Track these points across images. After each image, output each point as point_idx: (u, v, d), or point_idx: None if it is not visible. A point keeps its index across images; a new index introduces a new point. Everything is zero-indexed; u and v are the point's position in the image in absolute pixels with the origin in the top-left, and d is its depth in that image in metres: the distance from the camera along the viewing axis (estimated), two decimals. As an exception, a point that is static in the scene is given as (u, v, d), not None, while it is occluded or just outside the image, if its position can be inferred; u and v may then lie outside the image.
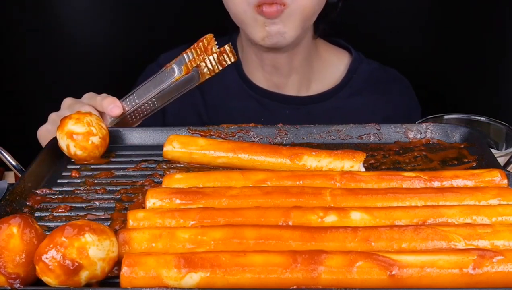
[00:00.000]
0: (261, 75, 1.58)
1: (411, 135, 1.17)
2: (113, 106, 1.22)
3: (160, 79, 1.20)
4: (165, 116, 1.60)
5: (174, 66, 1.19)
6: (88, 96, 1.28)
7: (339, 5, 1.53)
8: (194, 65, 1.16)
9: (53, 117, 1.29)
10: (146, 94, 1.21)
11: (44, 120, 1.33)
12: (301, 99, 1.58)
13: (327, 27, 1.57)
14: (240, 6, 1.38)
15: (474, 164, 1.06)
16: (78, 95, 1.32)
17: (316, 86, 1.59)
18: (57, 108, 1.35)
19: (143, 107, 1.23)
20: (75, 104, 1.25)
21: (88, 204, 0.98)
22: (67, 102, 1.28)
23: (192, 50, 1.17)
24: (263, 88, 1.58)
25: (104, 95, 1.25)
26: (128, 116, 1.25)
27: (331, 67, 1.61)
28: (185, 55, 1.18)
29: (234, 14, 1.42)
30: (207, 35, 1.17)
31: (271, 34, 1.38)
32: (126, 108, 1.23)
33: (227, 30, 1.61)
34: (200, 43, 1.17)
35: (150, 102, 1.22)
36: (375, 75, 1.61)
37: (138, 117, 1.25)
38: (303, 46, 1.52)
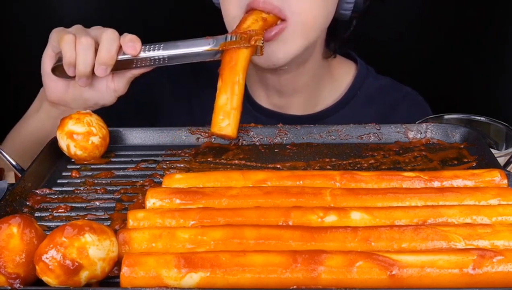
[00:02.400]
0: (263, 94, 1.50)
1: (411, 135, 1.17)
2: (132, 44, 1.17)
3: (194, 43, 1.18)
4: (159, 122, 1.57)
5: (212, 40, 1.17)
6: (96, 28, 1.22)
7: (353, 23, 1.42)
8: (231, 46, 1.15)
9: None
10: (173, 49, 1.18)
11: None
12: (304, 118, 1.48)
13: (339, 46, 1.47)
14: (230, 13, 1.28)
15: (474, 164, 1.06)
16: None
17: (323, 103, 1.51)
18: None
19: (156, 58, 1.19)
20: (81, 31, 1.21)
21: (88, 204, 0.98)
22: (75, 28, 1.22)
23: (238, 34, 1.17)
24: (265, 108, 1.50)
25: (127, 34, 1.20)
26: (136, 61, 1.21)
27: (339, 82, 1.52)
28: (229, 35, 1.17)
29: (227, 25, 1.33)
30: (260, 30, 1.18)
31: (260, 58, 1.25)
32: (141, 53, 1.19)
33: None
34: (249, 32, 1.16)
35: (164, 58, 1.19)
36: (382, 91, 1.52)
37: (142, 64, 1.21)
38: (310, 66, 1.42)
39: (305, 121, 1.47)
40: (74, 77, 1.21)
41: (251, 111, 1.50)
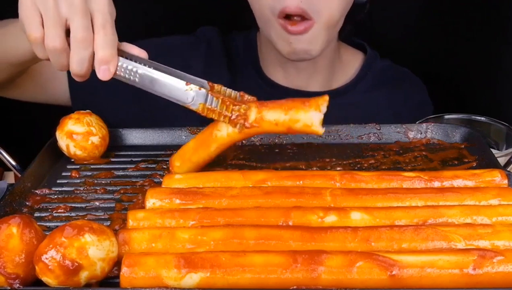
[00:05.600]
0: (281, 75, 1.55)
1: (411, 135, 1.17)
2: (105, 68, 0.95)
3: (173, 85, 0.98)
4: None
5: (193, 93, 0.97)
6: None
7: (367, 6, 1.50)
8: (208, 115, 0.98)
9: None
10: (149, 84, 0.98)
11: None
12: (313, 94, 1.55)
13: (352, 29, 1.54)
14: (263, 12, 1.33)
15: (474, 164, 1.06)
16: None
17: (335, 85, 1.57)
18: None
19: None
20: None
21: (88, 204, 0.98)
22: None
23: (219, 100, 0.97)
24: (282, 86, 1.54)
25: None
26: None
27: (349, 67, 1.60)
28: (210, 95, 0.97)
29: (258, 18, 1.38)
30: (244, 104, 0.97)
31: (296, 51, 1.34)
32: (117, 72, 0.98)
33: (245, 24, 1.54)
34: (233, 102, 0.97)
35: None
36: (386, 73, 1.61)
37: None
38: (329, 49, 1.49)
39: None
40: None
41: (269, 91, 1.52)
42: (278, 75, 1.55)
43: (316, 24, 1.30)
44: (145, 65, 0.98)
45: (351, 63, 1.60)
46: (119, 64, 0.97)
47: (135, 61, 0.98)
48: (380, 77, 1.59)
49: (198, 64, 1.49)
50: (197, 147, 1.02)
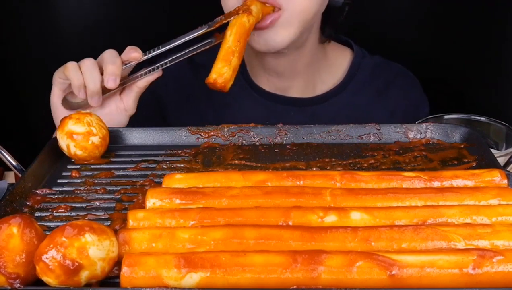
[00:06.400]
0: (265, 78, 1.56)
1: (411, 135, 1.17)
2: (134, 50, 1.25)
3: (189, 33, 1.25)
4: (168, 120, 1.60)
5: (205, 25, 1.25)
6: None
7: (346, 9, 1.50)
8: (224, 22, 1.24)
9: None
10: (171, 43, 1.25)
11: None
12: (306, 100, 1.56)
13: (333, 31, 1.54)
14: (230, 4, 1.33)
15: (474, 164, 1.06)
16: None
17: (321, 87, 1.57)
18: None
19: (158, 58, 1.26)
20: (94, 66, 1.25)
21: (88, 204, 0.98)
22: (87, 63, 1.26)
23: (225, 15, 1.25)
24: (267, 91, 1.56)
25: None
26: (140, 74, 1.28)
27: (336, 66, 1.59)
28: (218, 18, 1.25)
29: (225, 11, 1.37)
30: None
31: (259, 42, 1.35)
32: (143, 57, 1.26)
33: None
34: (236, 8, 1.25)
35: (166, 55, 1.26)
36: (378, 69, 1.60)
37: (146, 73, 1.28)
38: (307, 50, 1.48)
39: (307, 103, 1.54)
40: (82, 106, 1.27)
41: (253, 94, 1.56)
42: (262, 78, 1.55)
43: (284, 15, 1.30)
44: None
45: (339, 61, 1.59)
46: (144, 53, 1.25)
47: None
48: (372, 75, 1.58)
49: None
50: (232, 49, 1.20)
